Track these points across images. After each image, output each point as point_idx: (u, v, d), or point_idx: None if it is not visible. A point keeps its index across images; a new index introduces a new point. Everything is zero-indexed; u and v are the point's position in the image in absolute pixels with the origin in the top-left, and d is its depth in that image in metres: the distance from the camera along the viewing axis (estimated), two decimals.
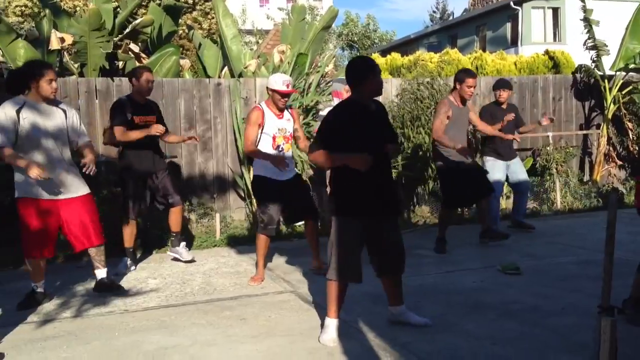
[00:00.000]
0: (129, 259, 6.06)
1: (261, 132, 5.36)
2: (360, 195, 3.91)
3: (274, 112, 5.39)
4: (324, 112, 5.99)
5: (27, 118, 4.65)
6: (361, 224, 3.94)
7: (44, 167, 4.55)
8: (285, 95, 5.34)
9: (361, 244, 3.99)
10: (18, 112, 4.64)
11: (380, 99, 8.82)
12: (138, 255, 6.51)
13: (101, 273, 5.19)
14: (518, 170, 7.43)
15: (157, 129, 5.74)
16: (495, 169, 7.21)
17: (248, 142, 5.38)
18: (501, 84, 7.38)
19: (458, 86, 6.49)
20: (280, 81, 5.32)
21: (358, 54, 34.29)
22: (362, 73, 3.94)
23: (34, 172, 4.43)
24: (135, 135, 5.77)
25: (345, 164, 3.85)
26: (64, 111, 4.89)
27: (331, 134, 3.93)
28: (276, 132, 5.38)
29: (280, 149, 5.39)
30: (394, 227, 4.10)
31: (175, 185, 6.16)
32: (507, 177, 7.46)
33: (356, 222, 3.93)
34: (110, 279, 5.30)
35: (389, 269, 4.14)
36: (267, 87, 5.47)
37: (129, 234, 6.03)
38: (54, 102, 4.87)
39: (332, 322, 4.00)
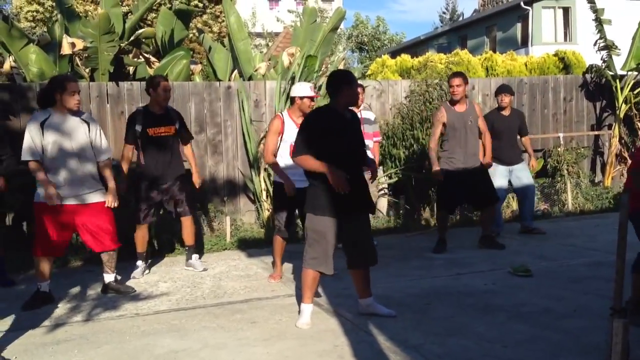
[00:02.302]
0: (142, 263, 6.07)
1: (280, 140, 5.53)
2: (336, 195, 4.19)
3: (295, 121, 5.51)
4: None
5: (51, 129, 4.94)
6: (336, 221, 4.27)
7: (57, 192, 4.89)
8: (314, 99, 5.56)
9: (336, 238, 4.31)
10: (43, 123, 4.92)
11: (389, 100, 8.96)
12: (149, 261, 6.50)
13: (109, 277, 5.34)
14: (522, 175, 7.34)
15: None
16: (496, 174, 7.10)
17: (267, 152, 5.61)
18: (502, 89, 7.31)
19: (450, 89, 6.57)
20: (308, 87, 5.54)
21: (367, 56, 34.27)
22: (338, 85, 4.33)
23: (49, 192, 4.83)
24: (126, 156, 5.98)
25: (325, 174, 4.17)
26: (87, 123, 5.12)
27: (312, 137, 4.26)
28: (294, 140, 5.37)
29: None
30: (366, 225, 4.47)
31: (187, 195, 6.12)
32: (511, 181, 7.40)
33: (332, 219, 4.25)
34: (118, 283, 5.41)
35: (359, 262, 4.44)
36: (292, 97, 5.58)
37: (140, 238, 6.06)
38: (78, 114, 5.10)
39: (307, 308, 4.39)
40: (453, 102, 6.56)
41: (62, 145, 4.95)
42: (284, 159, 5.51)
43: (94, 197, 5.09)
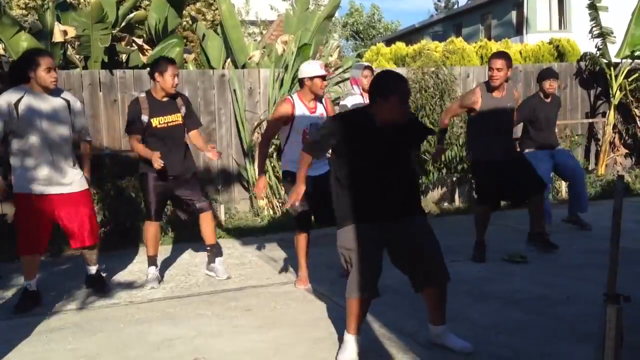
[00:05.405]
0: (154, 269, 5.33)
1: (290, 127, 4.97)
2: (368, 197, 3.50)
3: (307, 105, 4.98)
4: (345, 102, 5.71)
5: (26, 110, 4.48)
6: (367, 230, 3.47)
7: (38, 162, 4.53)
8: (325, 77, 5.06)
9: (372, 252, 3.48)
10: (17, 103, 4.47)
11: None
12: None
13: (91, 270, 5.07)
14: (566, 156, 6.80)
15: (157, 162, 4.86)
16: (537, 160, 6.42)
17: (266, 134, 5.21)
18: (549, 73, 6.70)
19: (489, 72, 5.71)
20: (317, 66, 4.99)
21: (363, 44, 34.17)
22: (372, 93, 3.47)
23: None
24: (140, 152, 5.10)
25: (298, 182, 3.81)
26: (67, 102, 4.69)
27: (325, 139, 3.63)
28: (308, 126, 4.93)
29: None
30: (422, 234, 3.59)
31: (200, 189, 5.49)
32: (555, 167, 6.86)
33: (360, 226, 3.47)
34: (98, 276, 5.12)
35: (425, 281, 3.60)
36: (300, 79, 5.05)
37: (151, 238, 5.28)
38: (56, 92, 4.67)
39: (350, 340, 3.54)
40: (491, 88, 5.67)
41: (40, 128, 4.50)
42: (296, 148, 4.65)
43: (75, 186, 4.70)
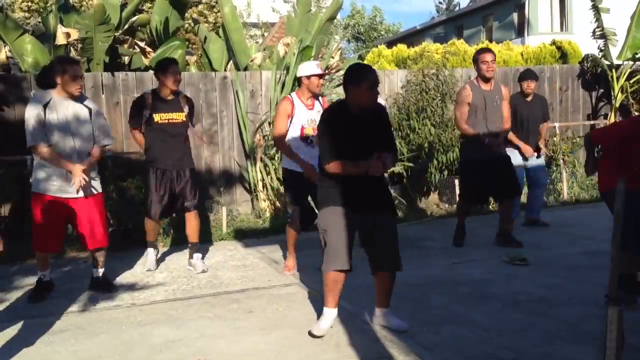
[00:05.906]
0: (154, 251, 5.82)
1: (290, 122, 5.28)
2: (346, 188, 3.89)
3: (304, 102, 5.33)
4: None
5: (52, 114, 4.70)
6: (345, 213, 3.87)
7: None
8: (322, 76, 5.39)
9: (347, 232, 3.88)
10: (45, 106, 4.70)
11: (386, 90, 8.93)
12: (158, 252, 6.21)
13: (98, 272, 5.17)
14: (537, 164, 7.03)
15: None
16: (514, 159, 6.65)
17: (278, 134, 5.35)
18: (527, 75, 6.97)
19: (476, 67, 6.12)
20: (313, 65, 5.35)
21: (364, 46, 34.20)
22: (345, 82, 3.91)
23: (69, 167, 4.71)
24: (138, 140, 5.62)
25: (360, 172, 3.85)
26: (90, 109, 4.89)
27: (332, 140, 3.89)
28: (305, 122, 5.28)
29: (309, 141, 5.27)
30: (388, 227, 4.02)
31: (195, 188, 5.69)
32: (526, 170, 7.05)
33: (338, 208, 3.88)
34: (105, 278, 5.21)
35: (379, 265, 4.04)
36: (298, 78, 5.38)
37: (151, 229, 5.72)
38: (80, 99, 4.87)
39: (327, 312, 4.01)
40: (484, 80, 6.05)
41: (62, 131, 4.72)
42: (294, 142, 5.26)
43: (92, 189, 4.90)
